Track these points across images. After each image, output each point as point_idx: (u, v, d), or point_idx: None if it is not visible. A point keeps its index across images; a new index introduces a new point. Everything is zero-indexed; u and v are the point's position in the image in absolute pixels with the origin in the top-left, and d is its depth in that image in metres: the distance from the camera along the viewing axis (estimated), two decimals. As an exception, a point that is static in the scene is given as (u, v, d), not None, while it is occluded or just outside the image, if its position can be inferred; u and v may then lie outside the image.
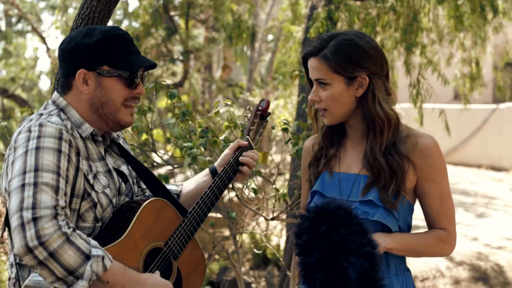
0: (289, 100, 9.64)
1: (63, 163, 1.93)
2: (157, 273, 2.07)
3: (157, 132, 3.62)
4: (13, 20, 18.26)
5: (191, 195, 2.38)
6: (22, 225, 1.79)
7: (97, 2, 3.00)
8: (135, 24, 12.19)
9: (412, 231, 2.22)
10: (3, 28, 18.20)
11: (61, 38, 13.62)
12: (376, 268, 1.82)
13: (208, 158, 3.07)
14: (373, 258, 1.82)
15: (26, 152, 1.91)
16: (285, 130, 3.26)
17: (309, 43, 5.35)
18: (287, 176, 6.44)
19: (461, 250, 7.04)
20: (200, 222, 2.24)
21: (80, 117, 2.10)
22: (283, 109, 9.55)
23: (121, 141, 2.29)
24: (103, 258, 1.86)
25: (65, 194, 1.92)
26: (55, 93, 2.14)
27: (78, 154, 2.02)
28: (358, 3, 5.63)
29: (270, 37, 14.93)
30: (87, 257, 1.84)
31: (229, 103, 3.22)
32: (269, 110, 2.56)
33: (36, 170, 1.87)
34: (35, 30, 14.57)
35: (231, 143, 2.46)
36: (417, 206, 2.21)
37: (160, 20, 11.03)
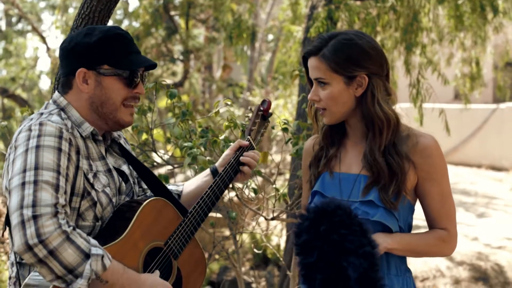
0: (289, 100, 9.63)
1: (63, 161, 1.94)
2: (157, 272, 2.07)
3: (157, 132, 3.63)
4: (14, 19, 18.27)
5: (192, 196, 2.38)
6: (23, 223, 1.80)
7: (97, 2, 3.00)
8: (135, 24, 12.21)
9: (413, 231, 2.22)
10: (3, 27, 18.21)
11: (61, 38, 13.64)
12: (375, 268, 1.82)
13: (208, 158, 3.07)
14: (373, 258, 1.82)
15: (27, 150, 1.92)
16: (285, 130, 3.26)
17: (309, 42, 5.35)
18: (287, 176, 6.44)
19: (461, 250, 7.04)
20: (201, 222, 2.24)
21: (80, 116, 2.11)
22: (283, 109, 9.55)
23: (122, 141, 2.30)
24: (102, 257, 1.86)
25: (65, 192, 1.93)
26: (56, 93, 2.15)
27: (78, 153, 2.02)
28: (358, 3, 5.63)
29: (270, 36, 14.93)
30: (87, 256, 1.84)
31: (229, 103, 3.22)
32: (270, 110, 2.56)
33: (36, 168, 1.88)
34: (35, 30, 14.58)
35: (232, 143, 2.46)
36: (418, 206, 2.20)
37: (160, 20, 11.03)
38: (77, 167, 2.01)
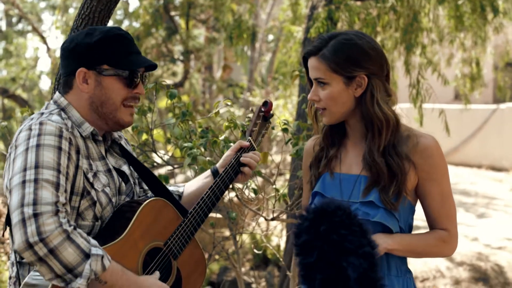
0: (289, 100, 9.63)
1: (63, 160, 1.95)
2: (156, 273, 2.07)
3: (157, 132, 3.62)
4: (14, 20, 18.28)
5: (192, 196, 2.38)
6: (23, 221, 1.80)
7: (97, 2, 3.01)
8: (136, 24, 12.22)
9: (413, 232, 2.22)
10: (4, 28, 18.22)
11: (62, 38, 13.65)
12: (375, 268, 1.82)
13: (208, 158, 3.07)
14: (373, 258, 1.82)
15: (27, 149, 1.92)
16: (285, 130, 3.26)
17: (310, 43, 5.34)
18: (287, 176, 6.44)
19: (462, 250, 7.04)
20: (201, 222, 2.24)
21: (80, 116, 2.11)
22: (283, 109, 9.55)
23: (122, 142, 2.30)
24: (102, 257, 1.87)
25: (66, 191, 1.93)
26: (57, 93, 2.16)
27: (78, 152, 2.03)
28: (358, 3, 5.63)
29: (271, 37, 14.94)
30: (87, 255, 1.84)
31: (229, 103, 3.22)
32: (271, 112, 2.56)
33: (37, 167, 1.89)
34: (35, 30, 14.58)
35: (232, 144, 2.46)
36: (418, 207, 2.20)
37: (161, 20, 11.04)
38: (77, 166, 2.01)
